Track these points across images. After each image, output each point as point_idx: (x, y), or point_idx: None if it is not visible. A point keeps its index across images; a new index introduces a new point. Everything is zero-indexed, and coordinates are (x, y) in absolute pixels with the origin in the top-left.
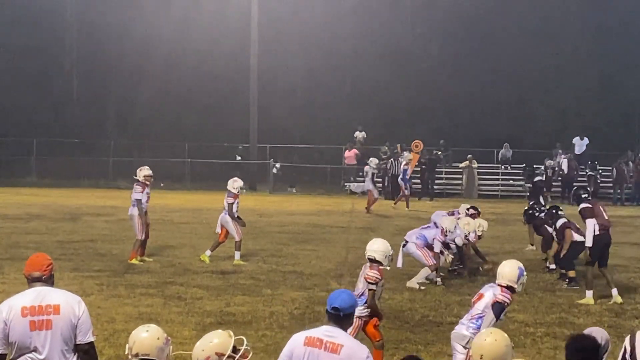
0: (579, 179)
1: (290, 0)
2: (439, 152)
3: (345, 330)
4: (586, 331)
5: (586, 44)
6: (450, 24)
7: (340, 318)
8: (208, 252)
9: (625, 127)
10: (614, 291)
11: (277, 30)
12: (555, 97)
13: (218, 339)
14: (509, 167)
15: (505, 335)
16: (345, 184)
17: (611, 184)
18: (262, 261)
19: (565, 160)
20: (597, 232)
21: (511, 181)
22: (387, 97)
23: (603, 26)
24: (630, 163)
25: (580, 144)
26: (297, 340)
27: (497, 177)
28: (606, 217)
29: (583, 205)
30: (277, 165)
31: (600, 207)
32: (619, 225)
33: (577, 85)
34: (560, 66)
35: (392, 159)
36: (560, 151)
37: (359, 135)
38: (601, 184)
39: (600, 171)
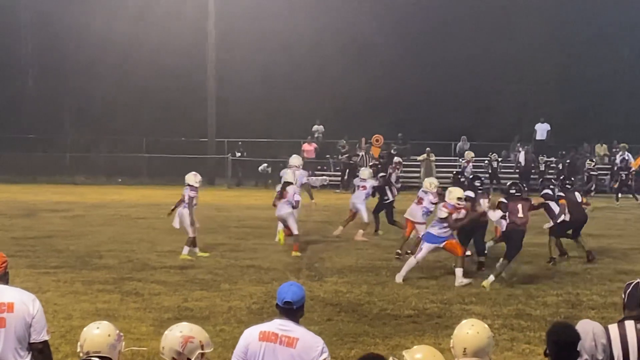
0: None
1: None
2: (398, 147)
3: (298, 322)
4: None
5: (544, 36)
6: (408, 16)
7: (294, 311)
8: (185, 251)
9: (582, 119)
10: (490, 278)
11: (234, 23)
12: (512, 89)
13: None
14: None
15: (487, 326)
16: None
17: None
18: (220, 256)
19: (523, 152)
20: (504, 229)
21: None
22: (345, 91)
23: (561, 17)
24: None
25: (541, 129)
26: (251, 335)
27: (455, 169)
28: (520, 216)
29: (500, 199)
30: (265, 165)
31: (519, 206)
32: None
33: (535, 77)
34: (518, 58)
35: (364, 153)
36: (518, 144)
37: (318, 129)
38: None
39: (548, 163)
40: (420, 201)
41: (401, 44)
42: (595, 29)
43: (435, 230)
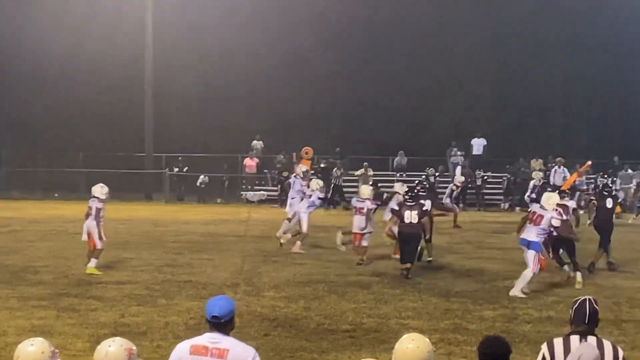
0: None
1: (184, 8)
2: (331, 161)
3: (228, 334)
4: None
5: (480, 51)
6: (345, 31)
7: (222, 324)
8: (93, 264)
9: (518, 134)
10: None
11: (171, 38)
12: (449, 104)
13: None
14: (404, 175)
15: (427, 340)
16: (242, 192)
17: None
18: (157, 271)
19: (459, 167)
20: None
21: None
22: (282, 105)
23: (497, 32)
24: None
25: (478, 144)
26: (182, 349)
27: (393, 184)
28: (406, 222)
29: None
30: (205, 177)
31: (407, 212)
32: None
33: (470, 92)
34: (454, 73)
35: (335, 169)
36: (455, 149)
37: (257, 144)
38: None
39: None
40: (360, 211)
41: (337, 60)
42: (529, 46)
43: (540, 240)
